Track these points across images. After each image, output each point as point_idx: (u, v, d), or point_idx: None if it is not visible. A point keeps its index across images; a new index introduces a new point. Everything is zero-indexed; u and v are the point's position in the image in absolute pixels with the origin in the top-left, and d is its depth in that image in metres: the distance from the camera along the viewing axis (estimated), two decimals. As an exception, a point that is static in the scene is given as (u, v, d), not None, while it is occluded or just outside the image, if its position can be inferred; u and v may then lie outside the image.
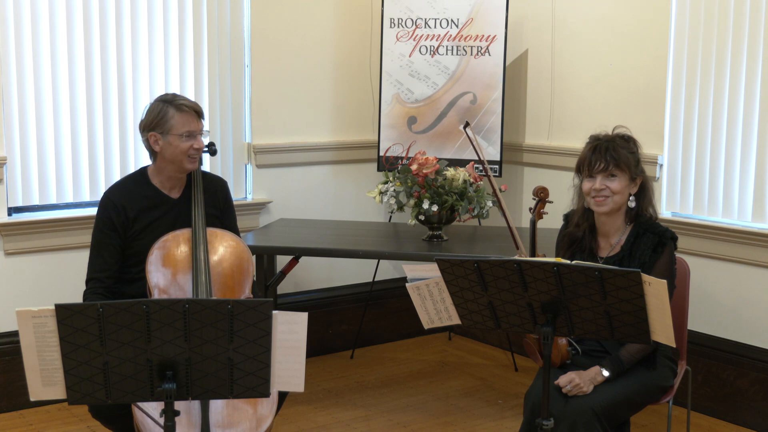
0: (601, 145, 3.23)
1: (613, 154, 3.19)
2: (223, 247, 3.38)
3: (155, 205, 3.45)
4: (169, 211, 3.45)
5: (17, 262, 4.39)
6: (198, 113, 3.42)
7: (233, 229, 3.62)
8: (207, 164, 4.82)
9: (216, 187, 3.61)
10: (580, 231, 3.34)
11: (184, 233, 3.36)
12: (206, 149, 3.63)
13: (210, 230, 3.39)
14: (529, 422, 3.15)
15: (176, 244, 3.32)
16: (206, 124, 3.62)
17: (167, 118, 3.37)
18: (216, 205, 3.57)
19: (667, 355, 3.28)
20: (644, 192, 3.26)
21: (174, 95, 3.48)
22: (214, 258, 3.33)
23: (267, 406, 3.05)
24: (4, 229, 4.32)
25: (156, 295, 3.24)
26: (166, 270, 3.28)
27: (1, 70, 4.26)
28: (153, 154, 3.45)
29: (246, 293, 3.36)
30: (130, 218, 3.40)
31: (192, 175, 3.50)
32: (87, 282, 3.43)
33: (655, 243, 3.19)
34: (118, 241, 3.41)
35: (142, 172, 3.54)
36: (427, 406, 4.53)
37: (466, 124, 3.49)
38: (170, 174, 3.46)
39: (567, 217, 3.46)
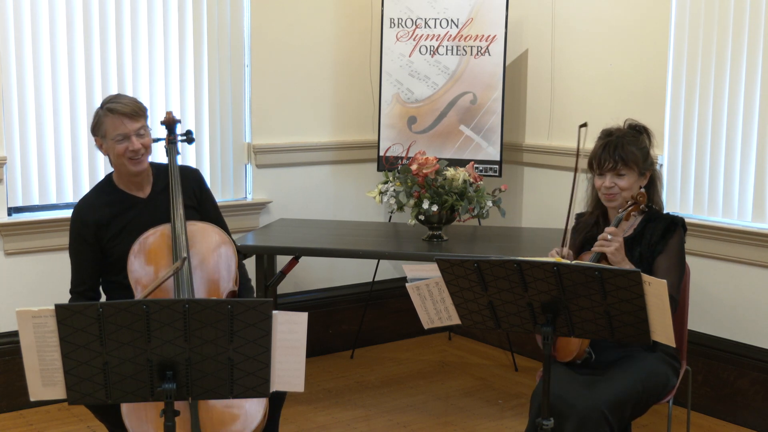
0: (610, 142, 3.29)
1: (621, 154, 3.24)
2: (203, 240, 3.35)
3: (125, 209, 3.40)
4: (140, 212, 3.40)
5: (17, 262, 4.39)
6: (130, 114, 3.30)
7: (216, 215, 3.57)
8: (207, 161, 4.83)
9: (187, 178, 3.53)
10: (593, 218, 3.42)
11: (163, 229, 3.33)
12: (183, 138, 3.59)
13: (190, 223, 3.36)
14: (534, 423, 3.15)
15: (155, 241, 3.30)
16: (179, 114, 3.50)
17: (101, 123, 3.33)
18: (190, 195, 3.51)
19: (669, 353, 3.29)
20: (653, 185, 3.34)
21: (112, 97, 3.39)
22: (195, 252, 3.31)
23: (256, 405, 3.04)
24: (4, 229, 4.32)
25: (138, 293, 3.23)
26: (147, 268, 3.26)
27: (1, 70, 4.26)
28: (109, 158, 3.43)
29: (230, 285, 3.33)
30: (101, 228, 3.35)
31: (169, 171, 3.43)
32: (70, 293, 3.43)
33: (666, 224, 3.27)
34: (91, 255, 3.37)
35: (108, 178, 3.49)
36: (427, 406, 4.53)
37: (584, 124, 3.29)
38: (128, 177, 3.40)
39: (578, 217, 3.51)
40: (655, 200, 3.35)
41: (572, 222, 3.54)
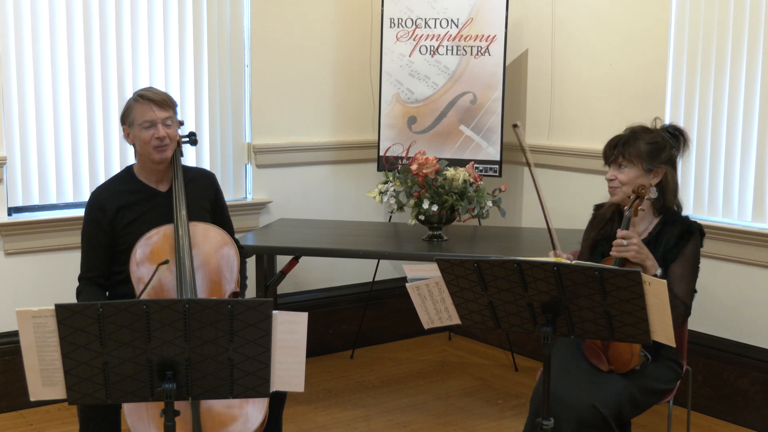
0: (621, 136, 3.28)
1: (621, 149, 3.23)
2: (205, 241, 3.36)
3: (143, 199, 3.43)
4: (157, 204, 3.42)
5: (17, 262, 4.39)
6: (159, 102, 3.37)
7: (227, 221, 3.60)
8: (207, 161, 4.83)
9: (205, 181, 3.58)
10: (609, 211, 3.38)
11: (166, 229, 3.33)
12: (186, 139, 3.62)
13: (192, 224, 3.37)
14: (533, 423, 3.15)
15: (159, 241, 3.30)
16: (180, 114, 3.54)
17: (131, 110, 3.40)
18: (207, 197, 3.54)
19: (671, 357, 3.27)
20: (665, 184, 3.26)
21: (145, 88, 3.48)
22: (197, 253, 3.31)
23: (256, 405, 3.04)
24: (4, 229, 4.32)
25: (140, 292, 3.23)
26: (150, 267, 3.27)
27: (1, 70, 4.26)
28: (134, 147, 3.47)
29: (232, 286, 3.34)
30: (117, 216, 3.39)
31: (173, 169, 3.47)
32: (79, 279, 3.44)
33: (682, 230, 3.21)
34: (105, 241, 3.39)
35: (129, 169, 3.53)
36: (427, 406, 4.53)
37: (515, 125, 3.37)
38: (151, 167, 3.44)
39: (597, 209, 3.47)
40: (670, 201, 3.28)
41: (590, 215, 3.49)
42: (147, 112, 3.35)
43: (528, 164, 3.26)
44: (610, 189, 3.28)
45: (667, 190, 3.27)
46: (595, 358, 3.21)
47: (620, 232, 3.12)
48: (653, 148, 3.23)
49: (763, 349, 4.20)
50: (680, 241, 3.20)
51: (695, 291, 3.38)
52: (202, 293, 3.26)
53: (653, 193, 3.26)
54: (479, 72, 4.99)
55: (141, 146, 3.39)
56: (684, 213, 4.40)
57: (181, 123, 3.57)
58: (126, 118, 3.42)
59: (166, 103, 3.39)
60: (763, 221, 4.15)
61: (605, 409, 3.02)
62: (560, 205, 4.92)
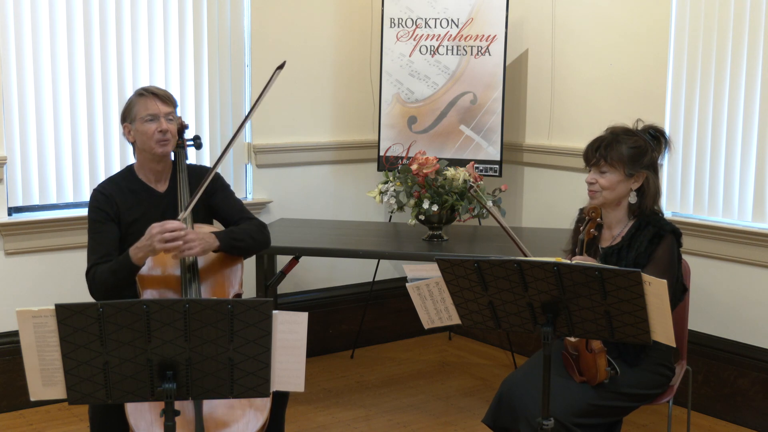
0: (602, 138, 3.25)
1: (603, 152, 3.20)
2: None
3: (143, 199, 3.42)
4: (156, 204, 3.42)
5: (17, 262, 4.39)
6: (162, 97, 3.37)
7: (233, 208, 3.52)
8: (207, 161, 4.82)
9: (200, 176, 3.50)
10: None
11: None
12: (191, 143, 3.61)
13: (197, 226, 3.36)
14: (496, 407, 3.17)
15: None
16: (180, 114, 3.53)
17: (132, 106, 3.40)
18: (205, 192, 3.51)
19: (659, 362, 3.25)
20: (646, 189, 3.23)
21: (146, 86, 3.48)
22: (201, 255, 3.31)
23: (260, 405, 3.04)
24: (4, 229, 4.32)
25: (145, 294, 3.23)
26: (154, 269, 3.27)
27: (1, 70, 4.26)
28: (133, 147, 3.46)
29: (235, 288, 3.34)
30: (123, 208, 3.38)
31: (176, 170, 3.46)
32: (87, 271, 3.33)
33: (652, 234, 3.17)
34: (115, 229, 3.36)
35: (129, 168, 3.52)
36: (427, 406, 4.53)
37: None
38: (150, 165, 3.43)
39: (581, 211, 3.45)
40: (648, 206, 3.23)
41: (575, 216, 3.49)
42: (150, 105, 3.35)
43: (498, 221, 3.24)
44: (589, 192, 3.24)
45: (647, 195, 3.23)
46: (570, 370, 3.20)
47: (574, 259, 3.09)
48: (635, 153, 3.20)
49: (763, 349, 4.20)
50: (650, 244, 3.16)
51: (686, 289, 3.37)
52: (205, 294, 3.26)
53: (632, 198, 3.23)
54: (479, 72, 4.99)
55: (143, 141, 3.38)
56: (684, 213, 4.44)
57: (186, 126, 3.57)
58: (127, 115, 3.41)
59: (168, 98, 3.41)
60: (763, 221, 4.15)
61: (565, 418, 3.02)
62: (560, 205, 4.93)
